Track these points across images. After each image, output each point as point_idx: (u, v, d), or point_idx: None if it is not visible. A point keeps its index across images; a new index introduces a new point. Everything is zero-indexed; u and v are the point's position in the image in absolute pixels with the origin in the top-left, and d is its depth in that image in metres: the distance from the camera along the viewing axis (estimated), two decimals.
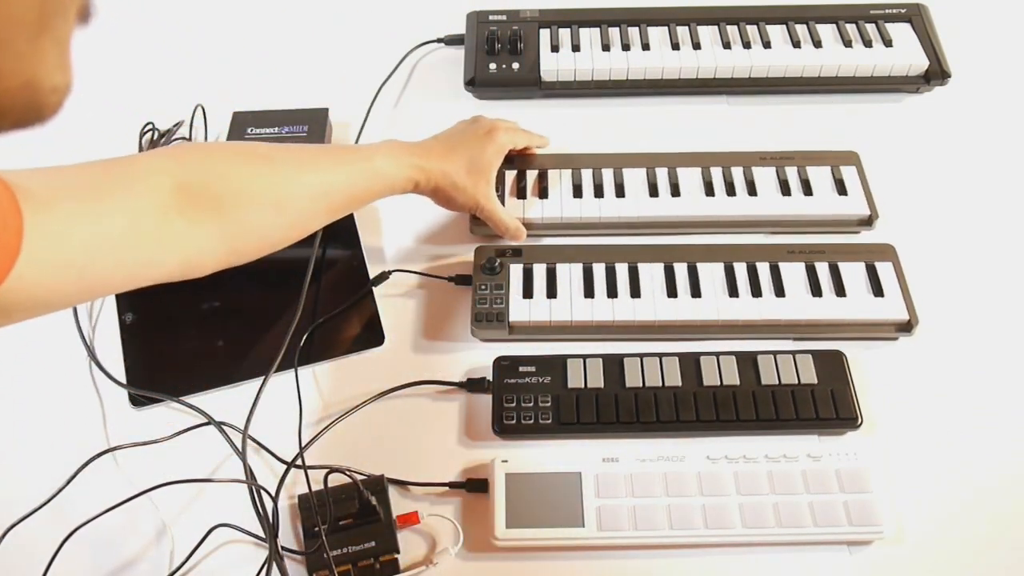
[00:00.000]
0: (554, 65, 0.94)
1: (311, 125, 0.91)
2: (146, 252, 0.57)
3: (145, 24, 1.07)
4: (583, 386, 0.72)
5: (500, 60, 0.95)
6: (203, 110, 0.95)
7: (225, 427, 0.73)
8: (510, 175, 0.86)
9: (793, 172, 0.86)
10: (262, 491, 0.68)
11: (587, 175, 0.86)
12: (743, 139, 0.91)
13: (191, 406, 0.74)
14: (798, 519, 0.64)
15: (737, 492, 0.66)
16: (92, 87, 0.99)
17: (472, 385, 0.74)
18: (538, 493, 0.66)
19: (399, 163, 0.73)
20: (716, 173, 0.86)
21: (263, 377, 0.75)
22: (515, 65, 0.95)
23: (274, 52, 1.03)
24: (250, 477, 0.69)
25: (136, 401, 0.75)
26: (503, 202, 0.83)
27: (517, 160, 0.87)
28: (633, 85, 0.95)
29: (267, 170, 0.66)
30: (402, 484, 0.69)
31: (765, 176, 0.86)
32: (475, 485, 0.68)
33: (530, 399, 0.72)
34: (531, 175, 0.86)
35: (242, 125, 0.91)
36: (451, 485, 0.69)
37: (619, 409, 0.71)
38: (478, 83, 0.95)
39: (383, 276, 0.81)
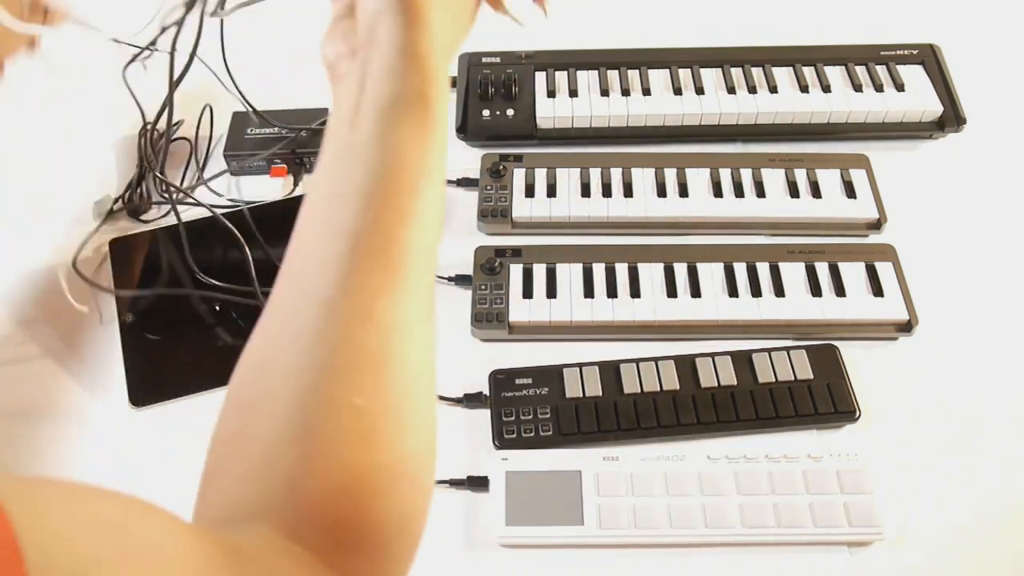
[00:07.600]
0: (550, 112, 0.90)
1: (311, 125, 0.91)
2: None
3: (145, 24, 1.07)
4: (581, 395, 0.72)
5: (494, 106, 0.92)
6: (211, 110, 0.94)
7: None
8: (519, 173, 0.87)
9: (802, 174, 0.86)
10: None
11: (595, 174, 0.86)
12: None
13: None
14: (798, 519, 0.64)
15: (737, 492, 0.66)
16: (92, 87, 0.99)
17: (470, 400, 0.73)
18: (538, 491, 0.66)
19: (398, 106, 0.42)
20: (725, 174, 0.86)
21: None
22: (509, 112, 0.91)
23: (274, 52, 1.03)
24: None
25: (135, 401, 0.75)
26: (511, 199, 0.84)
27: (526, 159, 0.88)
28: (633, 133, 0.91)
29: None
30: None
31: (774, 178, 0.85)
32: (475, 482, 0.68)
33: (529, 411, 0.72)
34: (540, 173, 0.87)
35: (242, 125, 0.91)
36: (452, 482, 0.69)
37: (619, 416, 0.71)
38: (470, 131, 0.91)
39: None
